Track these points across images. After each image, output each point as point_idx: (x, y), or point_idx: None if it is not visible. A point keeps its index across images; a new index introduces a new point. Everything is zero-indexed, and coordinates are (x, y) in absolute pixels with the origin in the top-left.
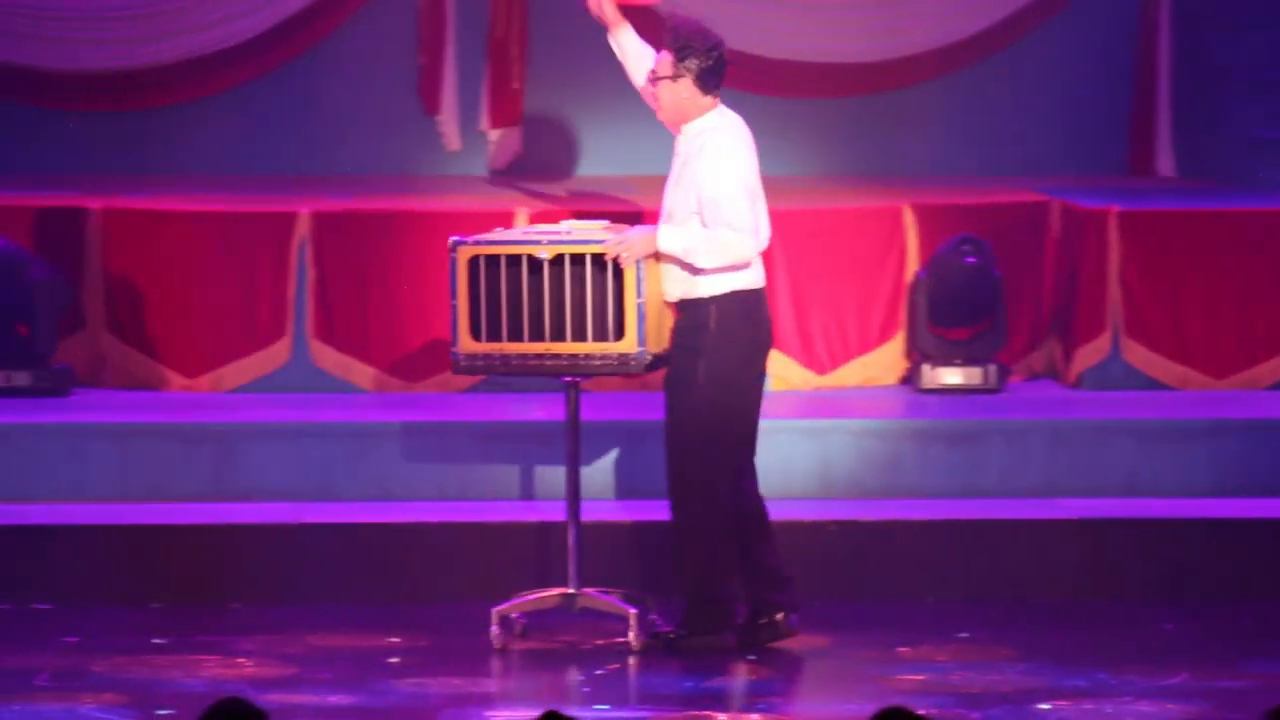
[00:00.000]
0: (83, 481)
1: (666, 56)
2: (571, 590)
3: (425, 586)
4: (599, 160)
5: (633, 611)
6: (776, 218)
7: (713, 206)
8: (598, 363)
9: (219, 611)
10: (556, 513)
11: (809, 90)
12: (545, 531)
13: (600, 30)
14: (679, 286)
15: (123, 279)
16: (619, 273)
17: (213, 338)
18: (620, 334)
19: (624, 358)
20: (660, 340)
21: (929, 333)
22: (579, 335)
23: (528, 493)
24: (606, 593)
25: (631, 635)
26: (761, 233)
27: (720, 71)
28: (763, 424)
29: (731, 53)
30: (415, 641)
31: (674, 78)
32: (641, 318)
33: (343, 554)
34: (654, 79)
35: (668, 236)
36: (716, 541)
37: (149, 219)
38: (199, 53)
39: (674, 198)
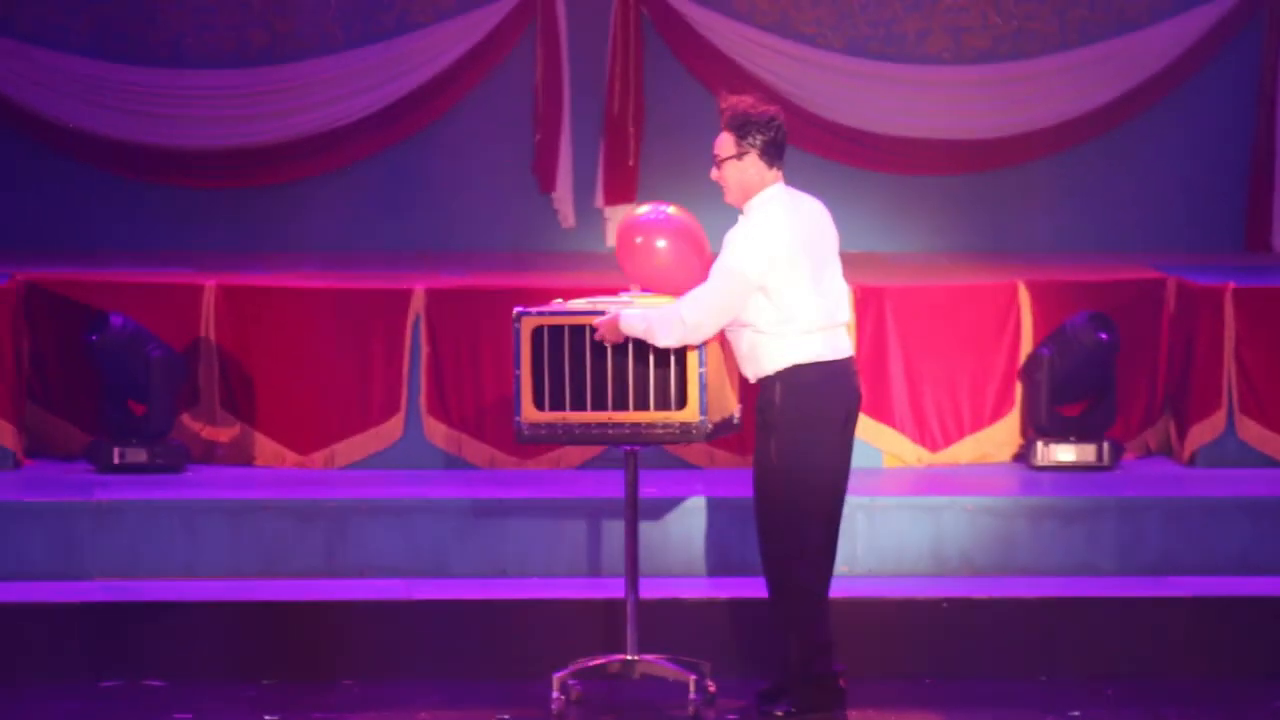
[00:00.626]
0: (196, 558)
1: (728, 137)
2: (631, 656)
3: (536, 662)
4: (713, 237)
5: (692, 677)
6: (892, 294)
7: (713, 273)
8: (660, 431)
9: (331, 688)
10: (672, 589)
11: (926, 167)
12: (656, 608)
13: (712, 109)
14: (748, 366)
15: (236, 356)
16: None
17: (326, 414)
18: (682, 403)
19: (685, 426)
20: (722, 409)
21: (1049, 409)
22: (641, 404)
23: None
24: (665, 659)
25: (691, 701)
26: (839, 306)
27: (782, 143)
28: (876, 500)
29: (849, 130)
30: (525, 716)
31: (739, 156)
32: (703, 387)
33: (454, 631)
34: (719, 161)
35: (629, 320)
36: (816, 617)
37: (263, 295)
38: (315, 130)
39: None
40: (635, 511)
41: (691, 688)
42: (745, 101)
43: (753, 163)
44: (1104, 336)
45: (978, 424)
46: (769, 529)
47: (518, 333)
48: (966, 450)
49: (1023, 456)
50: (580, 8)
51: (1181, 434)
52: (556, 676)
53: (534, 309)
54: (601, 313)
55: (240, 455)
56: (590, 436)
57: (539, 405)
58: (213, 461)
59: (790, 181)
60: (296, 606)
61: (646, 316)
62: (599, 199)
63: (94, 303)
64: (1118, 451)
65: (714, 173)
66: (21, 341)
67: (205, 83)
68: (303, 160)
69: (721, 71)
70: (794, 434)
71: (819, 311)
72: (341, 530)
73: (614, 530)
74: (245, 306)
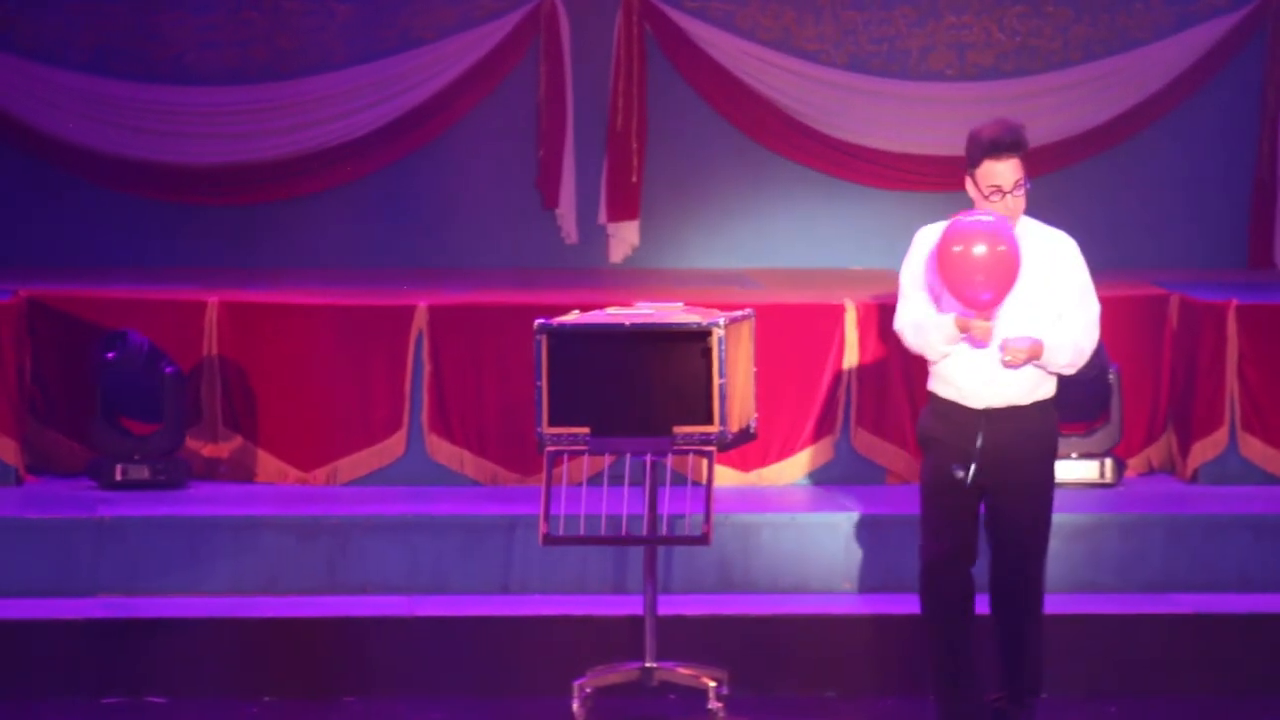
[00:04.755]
0: (197, 574)
1: (1019, 161)
2: (649, 664)
3: (540, 679)
4: (716, 253)
5: (711, 685)
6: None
7: (1083, 297)
8: (680, 441)
9: (332, 705)
10: (674, 605)
11: (929, 184)
12: (662, 624)
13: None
14: (1025, 389)
15: (239, 372)
16: (702, 353)
17: (328, 431)
18: (703, 413)
19: (706, 436)
20: (742, 419)
21: None
22: (661, 414)
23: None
24: (684, 666)
25: (710, 709)
26: None
27: None
28: (880, 517)
29: (853, 146)
30: None
31: (1026, 177)
32: (724, 398)
33: (457, 647)
34: (1021, 188)
35: (1052, 347)
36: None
37: (266, 312)
38: (317, 147)
39: (1014, 295)
40: (655, 520)
41: (711, 695)
42: (1012, 122)
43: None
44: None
45: None
46: (1043, 548)
47: (539, 344)
48: None
49: None
50: (583, 24)
51: (1184, 451)
52: (577, 684)
53: (554, 320)
54: (620, 324)
55: (242, 472)
56: (610, 446)
57: (559, 416)
58: (214, 478)
59: (796, 196)
60: (298, 623)
61: (1062, 348)
62: (602, 215)
63: (97, 319)
64: (1120, 468)
65: (1009, 204)
66: (24, 358)
67: (207, 99)
68: (305, 177)
69: (724, 87)
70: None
71: None
72: (343, 547)
73: (617, 547)
74: (248, 323)
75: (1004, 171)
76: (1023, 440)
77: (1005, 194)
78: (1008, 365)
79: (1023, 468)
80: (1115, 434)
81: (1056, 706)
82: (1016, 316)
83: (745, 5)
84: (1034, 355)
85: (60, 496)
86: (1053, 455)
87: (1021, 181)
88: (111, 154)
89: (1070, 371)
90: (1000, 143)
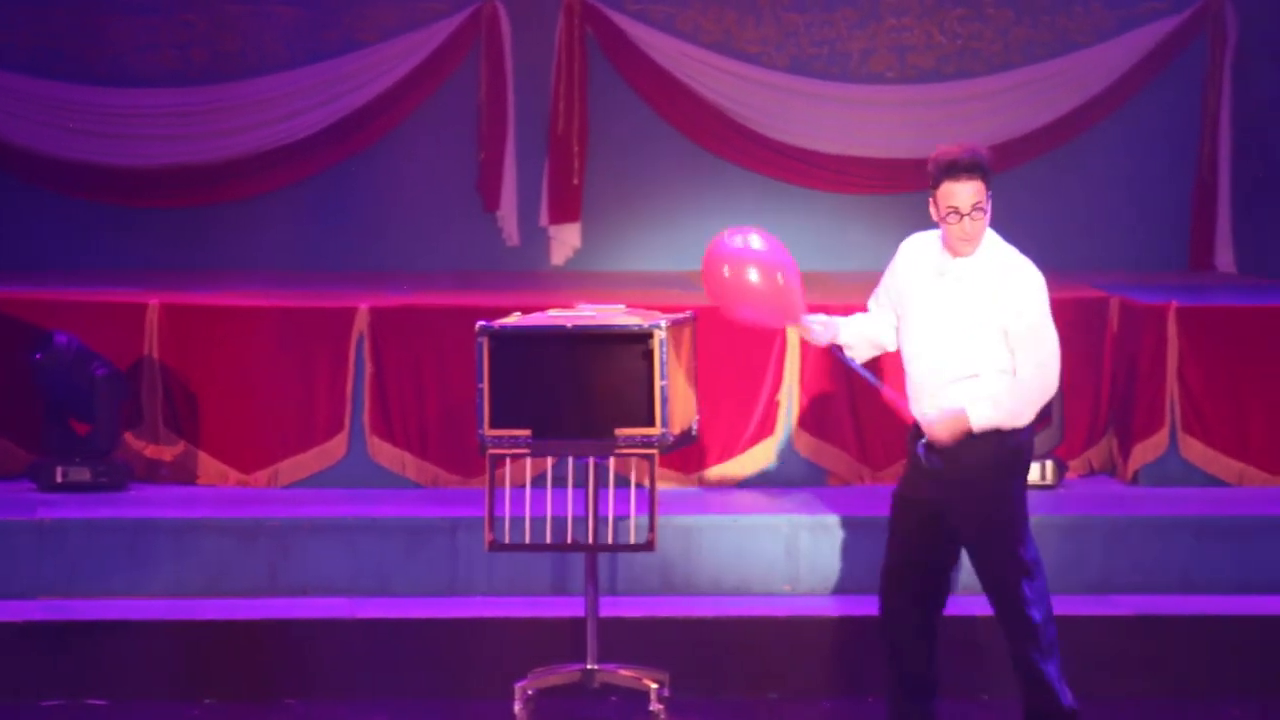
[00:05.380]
0: (138, 577)
1: (981, 184)
2: (591, 666)
3: (481, 682)
4: (657, 256)
5: (653, 686)
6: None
7: (1036, 330)
8: (622, 444)
9: (274, 707)
10: (616, 607)
11: (869, 186)
12: (604, 625)
13: (658, 126)
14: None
15: (180, 374)
16: (644, 355)
17: (270, 433)
18: (645, 415)
19: (647, 438)
20: (683, 421)
21: None
22: (603, 417)
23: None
24: (626, 668)
25: (652, 711)
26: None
27: None
28: (820, 519)
29: (794, 149)
30: None
31: (989, 199)
32: (665, 400)
33: (398, 650)
34: (981, 210)
35: (980, 416)
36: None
37: (207, 314)
38: (259, 149)
39: (959, 321)
40: (597, 522)
41: (652, 697)
42: (973, 145)
43: (989, 206)
44: None
45: None
46: (1010, 570)
47: (480, 346)
48: None
49: None
50: (525, 27)
51: (1125, 453)
52: (518, 686)
53: (495, 323)
54: (562, 326)
55: (183, 474)
56: (552, 449)
57: (501, 418)
58: (156, 480)
59: (736, 200)
60: (240, 625)
61: (998, 407)
62: (543, 217)
63: (37, 321)
64: (1061, 470)
65: (969, 225)
66: None
67: (148, 101)
68: (246, 179)
69: (665, 90)
70: (1024, 468)
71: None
72: (285, 549)
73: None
74: (189, 325)
75: (961, 193)
76: (967, 462)
77: (963, 216)
78: (930, 458)
79: (967, 490)
80: (1056, 436)
81: (996, 708)
82: (953, 347)
83: (686, 7)
84: (957, 431)
85: (0, 499)
86: (1005, 477)
87: (981, 205)
88: (51, 155)
89: (1023, 421)
90: (959, 164)
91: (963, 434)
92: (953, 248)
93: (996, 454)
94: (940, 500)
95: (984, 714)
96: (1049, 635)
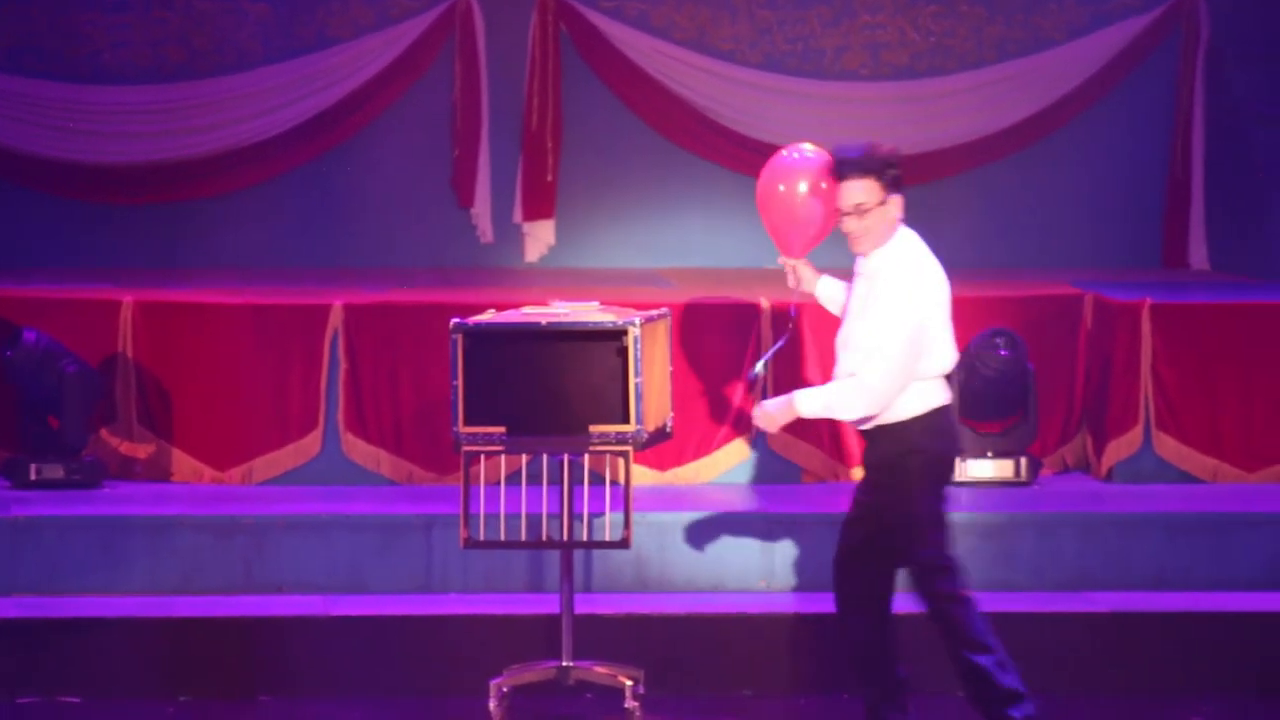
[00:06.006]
0: (113, 574)
1: (871, 183)
2: (566, 663)
3: (456, 679)
4: (631, 252)
5: (628, 684)
6: (808, 310)
7: (884, 332)
8: (596, 441)
9: (249, 705)
10: (591, 604)
11: None
12: (578, 622)
13: (632, 123)
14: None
15: (154, 371)
16: (618, 352)
17: (244, 430)
18: (619, 412)
19: (622, 435)
20: (658, 418)
21: (960, 425)
22: (578, 414)
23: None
24: (601, 665)
25: (627, 708)
26: (949, 353)
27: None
28: (796, 516)
29: (768, 146)
30: None
31: (884, 201)
32: (640, 397)
33: (373, 647)
34: (863, 211)
35: (806, 403)
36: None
37: (181, 311)
38: (233, 146)
39: (856, 328)
40: (573, 520)
41: (627, 694)
42: (872, 144)
43: (896, 204)
44: (1005, 353)
45: None
46: (932, 566)
47: (454, 343)
48: None
49: None
50: (499, 24)
51: (1099, 450)
52: (494, 683)
53: (469, 320)
54: (536, 324)
55: (158, 471)
56: (526, 446)
57: (475, 416)
58: (130, 477)
59: (709, 197)
60: (214, 622)
61: (825, 398)
62: (517, 214)
63: (9, 318)
64: (1035, 467)
65: (850, 224)
66: None
67: (123, 98)
68: (220, 176)
69: (639, 87)
70: (939, 470)
71: (954, 351)
72: (259, 546)
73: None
74: (163, 322)
75: (843, 193)
76: (872, 461)
77: (844, 215)
78: (762, 427)
79: (870, 488)
80: (1030, 433)
81: (968, 706)
82: (846, 343)
83: (660, 4)
84: (778, 416)
85: None
86: (901, 477)
87: (864, 206)
88: (25, 152)
89: (843, 417)
90: (842, 164)
91: (790, 419)
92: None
93: (886, 453)
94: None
95: (848, 709)
96: (975, 629)
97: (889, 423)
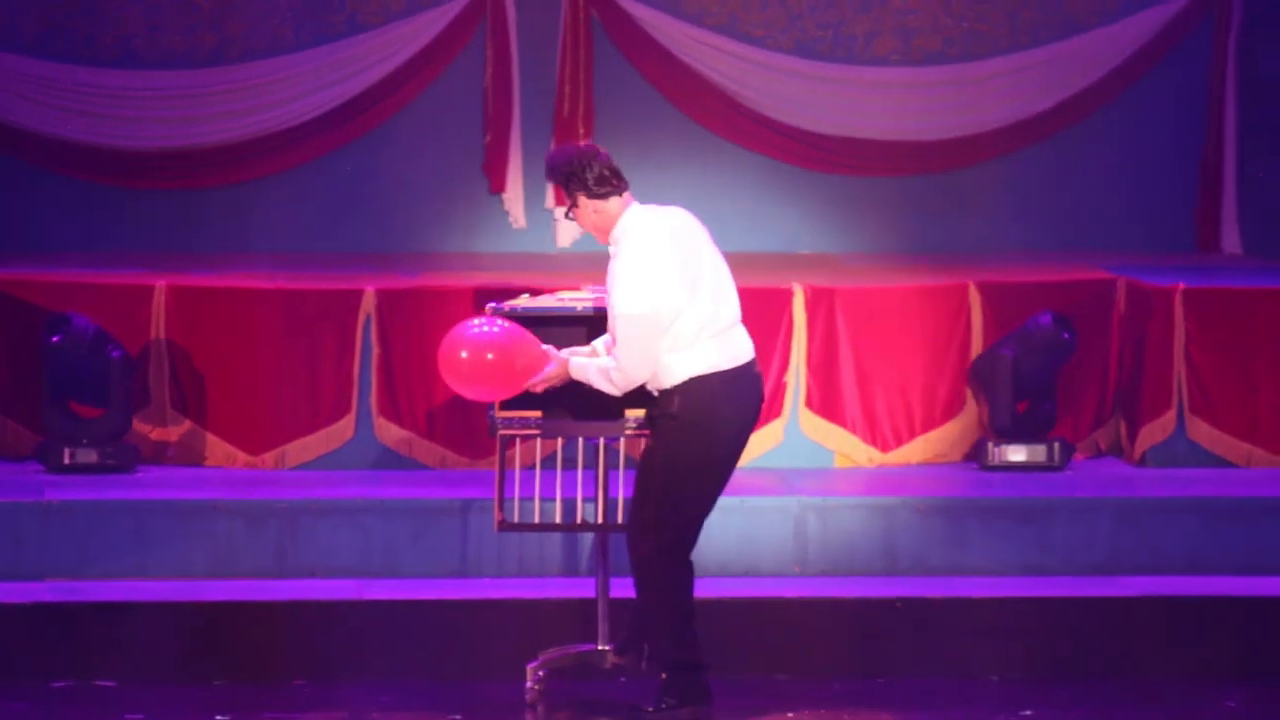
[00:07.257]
0: (146, 558)
1: (560, 189)
2: (601, 647)
3: (490, 663)
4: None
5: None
6: (843, 295)
7: (617, 323)
8: (631, 425)
9: (282, 689)
10: (625, 588)
11: (875, 169)
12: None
13: (663, 109)
14: (649, 381)
15: (187, 356)
16: None
17: (276, 415)
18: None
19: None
20: None
21: (1012, 410)
22: (614, 399)
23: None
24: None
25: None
26: (722, 309)
27: (609, 173)
28: (828, 501)
29: (799, 131)
30: (477, 716)
31: (573, 206)
32: None
33: (406, 631)
34: (569, 212)
35: (577, 369)
36: (689, 611)
37: (214, 296)
38: (264, 131)
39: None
40: (606, 504)
41: (662, 679)
42: (554, 157)
43: (587, 205)
44: (1067, 336)
45: (929, 424)
46: (646, 524)
47: None
48: (918, 451)
49: (974, 457)
50: (530, 9)
51: (1132, 434)
52: (529, 667)
53: (505, 304)
54: (571, 309)
55: (190, 456)
56: (562, 430)
57: (511, 400)
58: (163, 462)
59: (742, 181)
60: (247, 607)
61: (587, 369)
62: (549, 200)
63: (44, 303)
64: (1068, 452)
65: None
66: None
67: (155, 84)
68: (253, 161)
69: (671, 73)
70: (688, 438)
71: (710, 320)
72: (292, 531)
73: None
74: (196, 307)
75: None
76: (649, 421)
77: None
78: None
79: (647, 445)
80: (1050, 418)
81: (1004, 689)
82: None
83: None
84: (552, 376)
85: (7, 480)
86: (656, 436)
87: (567, 209)
88: (58, 137)
89: (604, 389)
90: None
91: (561, 378)
92: None
93: (650, 414)
94: None
95: (883, 693)
96: (660, 597)
97: (656, 390)
